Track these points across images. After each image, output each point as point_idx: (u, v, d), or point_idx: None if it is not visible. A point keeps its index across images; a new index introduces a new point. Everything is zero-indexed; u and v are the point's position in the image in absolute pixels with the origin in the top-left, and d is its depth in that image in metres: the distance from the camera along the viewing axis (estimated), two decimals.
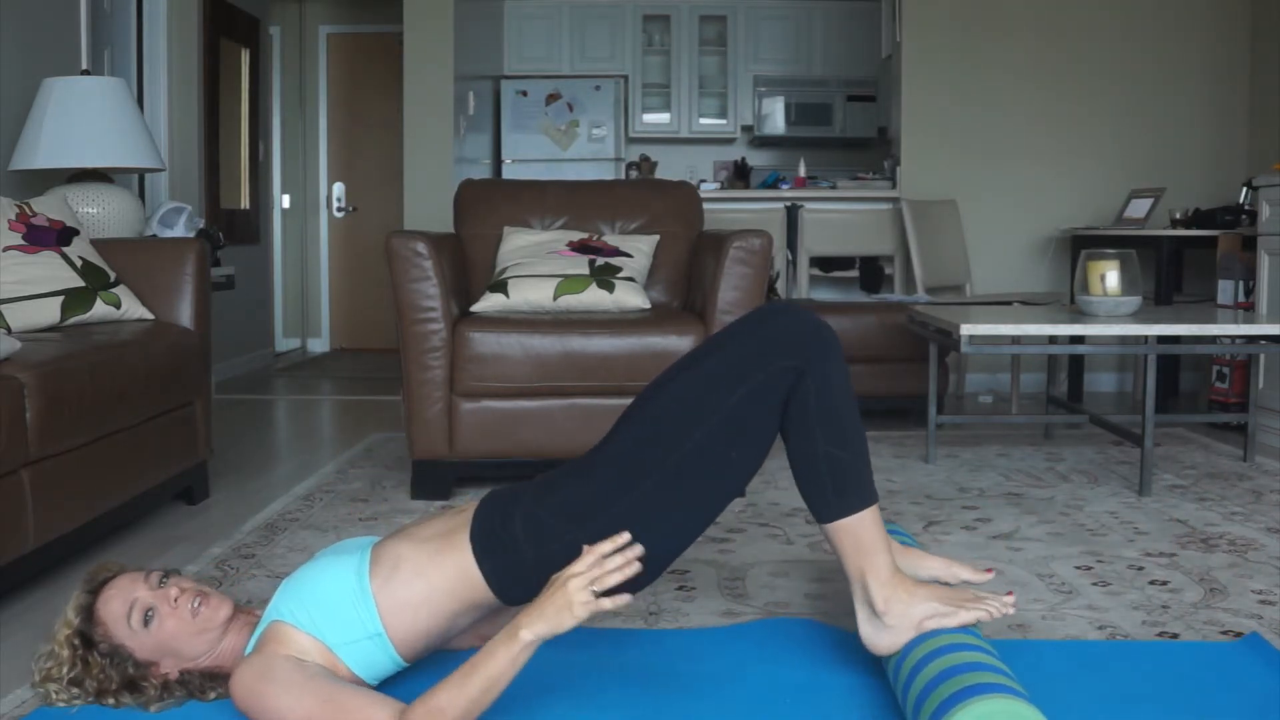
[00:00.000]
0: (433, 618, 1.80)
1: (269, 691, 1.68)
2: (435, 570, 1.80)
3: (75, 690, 1.79)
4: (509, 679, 1.61)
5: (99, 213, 3.74)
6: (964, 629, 1.78)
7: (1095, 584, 2.53)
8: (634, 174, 7.51)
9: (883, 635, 1.81)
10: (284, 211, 8.22)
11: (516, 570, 1.80)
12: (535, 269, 3.66)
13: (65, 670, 1.78)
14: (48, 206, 3.24)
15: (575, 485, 1.83)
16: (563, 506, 1.80)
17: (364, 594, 1.77)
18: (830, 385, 1.79)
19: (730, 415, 1.77)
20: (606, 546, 1.63)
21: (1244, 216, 5.14)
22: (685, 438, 1.77)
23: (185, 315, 3.32)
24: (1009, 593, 1.86)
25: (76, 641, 1.79)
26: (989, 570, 1.94)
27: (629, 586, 1.87)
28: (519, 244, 3.81)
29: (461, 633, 1.93)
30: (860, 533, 1.80)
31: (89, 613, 1.81)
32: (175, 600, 1.82)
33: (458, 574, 1.80)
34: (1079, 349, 4.02)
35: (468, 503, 1.94)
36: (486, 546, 1.80)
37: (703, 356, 1.85)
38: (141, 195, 5.20)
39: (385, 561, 1.81)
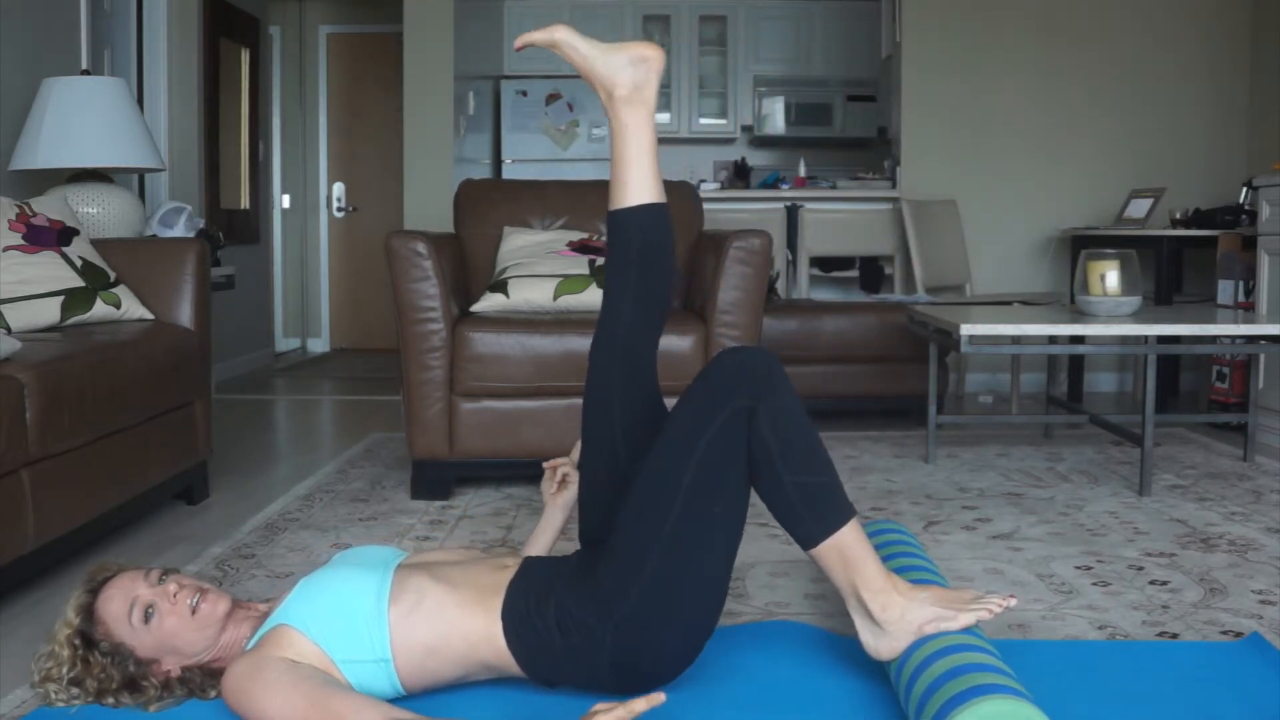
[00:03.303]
0: (445, 664, 1.80)
1: (258, 689, 1.68)
2: (461, 624, 1.79)
3: (75, 690, 1.78)
4: None
5: (99, 213, 3.74)
6: (966, 630, 1.78)
7: (1095, 584, 2.53)
8: None
9: (884, 641, 1.80)
10: (284, 211, 8.22)
11: (546, 654, 1.79)
12: (535, 269, 3.66)
13: (65, 670, 1.78)
14: (48, 206, 3.24)
15: (596, 574, 1.82)
16: (589, 598, 1.80)
17: (380, 618, 1.76)
18: (783, 415, 1.78)
19: (700, 471, 1.77)
20: (641, 706, 1.53)
21: (1244, 216, 5.14)
22: (670, 506, 1.77)
23: (185, 315, 3.32)
24: (1010, 595, 1.85)
25: (77, 641, 1.79)
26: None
27: (683, 663, 1.85)
28: (519, 244, 3.81)
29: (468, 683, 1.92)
30: (844, 548, 1.79)
31: (89, 612, 1.81)
32: (175, 596, 1.82)
33: (483, 638, 1.79)
34: (1079, 349, 4.02)
35: (509, 559, 1.93)
36: (518, 630, 1.79)
37: (667, 424, 1.84)
38: (141, 195, 5.20)
39: (410, 592, 1.80)
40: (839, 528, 1.79)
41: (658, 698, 1.53)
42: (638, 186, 1.89)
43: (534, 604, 1.80)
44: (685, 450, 1.78)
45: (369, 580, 1.81)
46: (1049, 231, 5.99)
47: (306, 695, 1.65)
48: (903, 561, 2.08)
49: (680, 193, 4.15)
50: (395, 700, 1.80)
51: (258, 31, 6.99)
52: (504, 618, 1.79)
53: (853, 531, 1.80)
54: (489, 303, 3.59)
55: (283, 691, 1.66)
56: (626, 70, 1.87)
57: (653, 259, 1.91)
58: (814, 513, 1.79)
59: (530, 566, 1.89)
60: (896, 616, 1.78)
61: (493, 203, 4.05)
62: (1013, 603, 1.81)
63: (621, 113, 1.88)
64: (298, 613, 1.78)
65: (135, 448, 2.89)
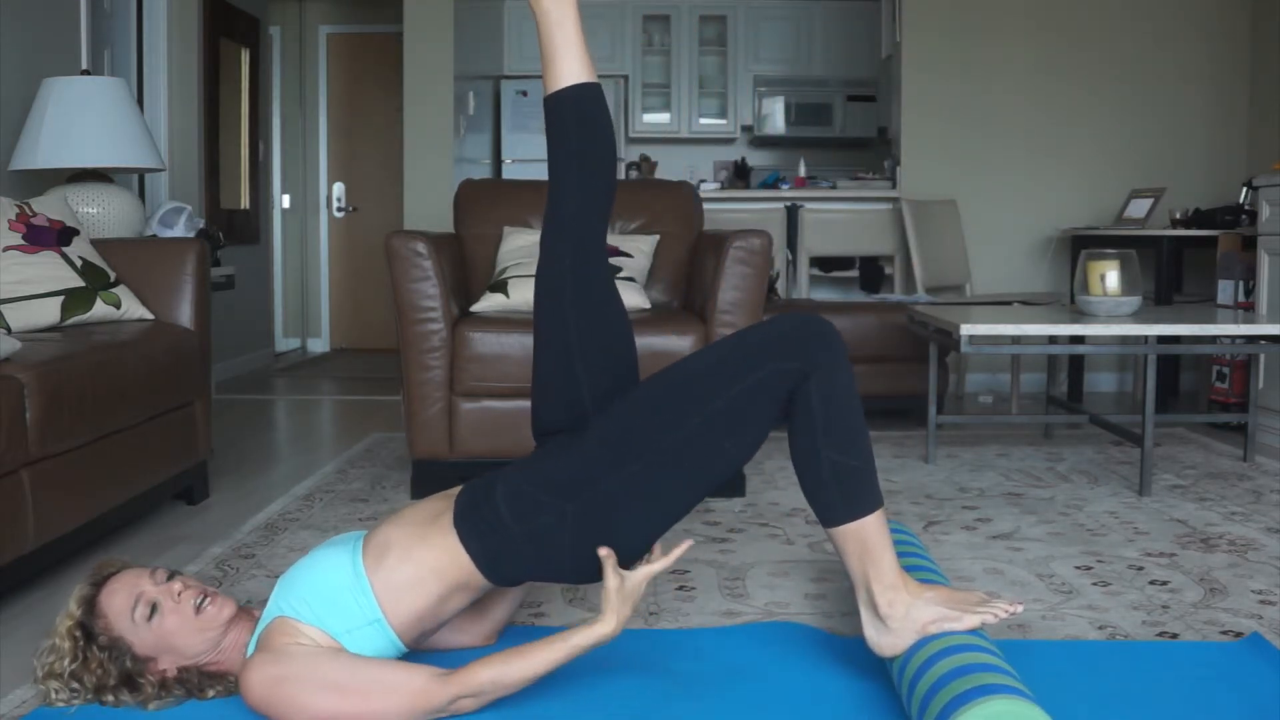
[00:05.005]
0: (423, 600, 1.82)
1: (290, 678, 1.69)
2: (422, 552, 1.81)
3: (75, 686, 1.79)
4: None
5: (99, 213, 3.74)
6: (970, 630, 1.78)
7: (1095, 584, 2.53)
8: (634, 174, 7.51)
9: (886, 637, 1.81)
10: (284, 211, 8.22)
11: (503, 547, 1.81)
12: (535, 269, 3.65)
13: (66, 663, 1.78)
14: (48, 206, 3.24)
15: (561, 459, 1.84)
16: (548, 479, 1.82)
17: (360, 581, 1.79)
18: (835, 390, 1.79)
19: (729, 407, 1.78)
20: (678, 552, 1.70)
21: (1244, 216, 5.14)
22: (682, 424, 1.79)
23: (185, 315, 3.32)
24: (1018, 601, 1.85)
25: (78, 634, 1.79)
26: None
27: (644, 550, 1.87)
28: (519, 244, 3.81)
29: (452, 616, 1.92)
30: (865, 537, 1.80)
31: (91, 605, 1.81)
32: (178, 595, 1.83)
33: (444, 555, 1.81)
34: (1079, 349, 4.02)
35: (453, 488, 1.94)
36: (472, 527, 1.81)
37: (710, 349, 1.87)
38: (141, 195, 5.20)
39: (375, 548, 1.83)
40: (865, 514, 1.80)
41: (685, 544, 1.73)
42: (568, 69, 1.94)
43: (483, 500, 1.83)
44: (724, 381, 1.79)
45: (341, 553, 1.84)
46: (1049, 231, 5.99)
47: (344, 668, 1.69)
48: (906, 562, 2.08)
49: (680, 193, 4.15)
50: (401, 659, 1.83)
51: (258, 31, 6.99)
52: (456, 522, 1.82)
53: (877, 522, 1.81)
54: (489, 303, 3.59)
55: (319, 672, 1.69)
56: None
57: (591, 135, 1.95)
58: (843, 493, 1.80)
59: (474, 479, 1.91)
60: (902, 614, 1.79)
61: (493, 203, 4.06)
62: (1019, 609, 1.81)
63: (544, 1, 1.92)
64: (286, 602, 1.80)
65: (135, 448, 2.89)
